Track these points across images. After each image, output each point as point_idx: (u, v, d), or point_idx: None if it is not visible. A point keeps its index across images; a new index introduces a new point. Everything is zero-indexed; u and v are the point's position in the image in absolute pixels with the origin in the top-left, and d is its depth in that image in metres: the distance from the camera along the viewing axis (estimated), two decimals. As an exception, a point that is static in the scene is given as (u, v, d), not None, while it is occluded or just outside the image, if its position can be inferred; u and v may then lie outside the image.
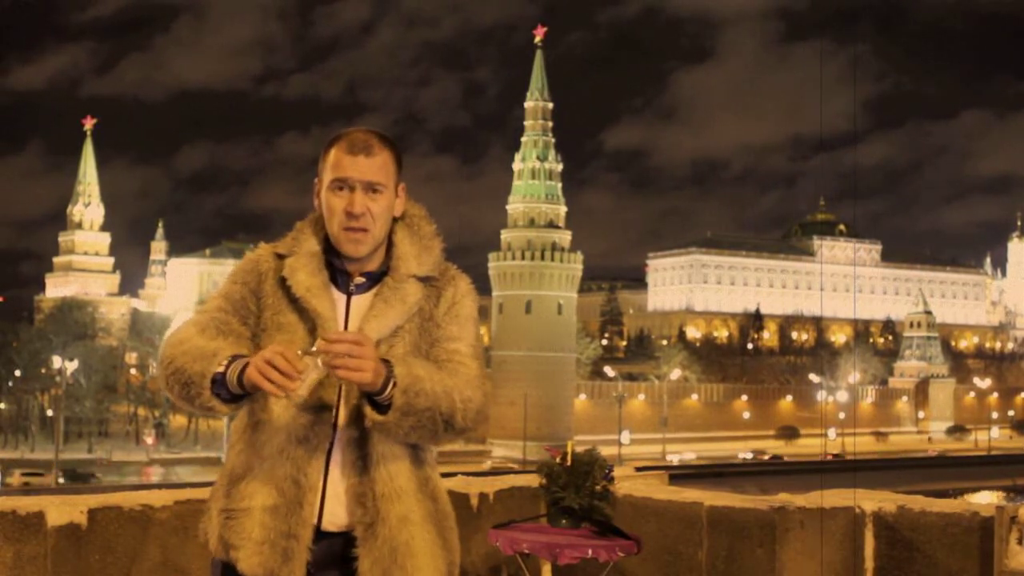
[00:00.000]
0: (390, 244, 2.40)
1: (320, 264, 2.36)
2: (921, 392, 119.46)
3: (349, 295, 2.36)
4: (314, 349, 2.14)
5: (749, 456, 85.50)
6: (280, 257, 2.38)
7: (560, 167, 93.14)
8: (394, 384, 2.17)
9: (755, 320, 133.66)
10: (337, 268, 2.37)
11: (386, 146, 2.35)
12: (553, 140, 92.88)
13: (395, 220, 2.42)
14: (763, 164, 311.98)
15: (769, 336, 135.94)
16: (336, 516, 2.30)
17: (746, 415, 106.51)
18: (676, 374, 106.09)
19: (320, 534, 2.30)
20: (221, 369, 2.20)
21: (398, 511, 2.30)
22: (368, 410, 2.21)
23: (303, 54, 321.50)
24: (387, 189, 2.34)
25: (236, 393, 2.21)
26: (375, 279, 2.37)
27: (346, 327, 2.32)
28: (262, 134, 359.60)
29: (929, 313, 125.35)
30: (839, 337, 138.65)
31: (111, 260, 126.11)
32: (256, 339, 2.37)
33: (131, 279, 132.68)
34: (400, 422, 2.20)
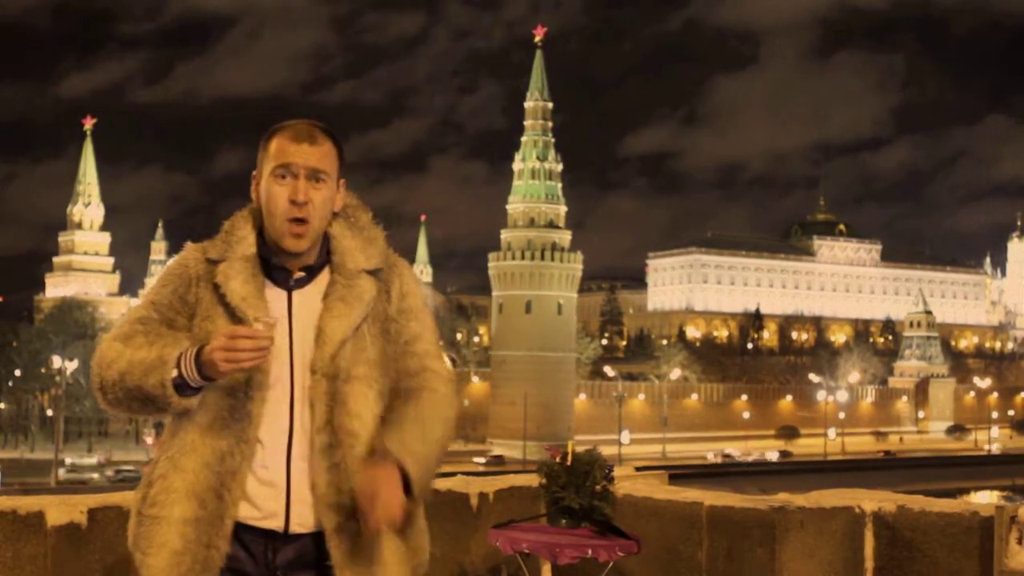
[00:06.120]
0: (326, 237, 2.35)
1: (254, 268, 2.30)
2: (921, 392, 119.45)
3: (290, 291, 2.30)
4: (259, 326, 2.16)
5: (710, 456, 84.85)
6: (211, 261, 2.32)
7: (560, 167, 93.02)
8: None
9: (755, 320, 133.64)
10: (274, 265, 2.31)
11: (329, 137, 2.31)
12: (553, 140, 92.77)
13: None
14: (787, 168, 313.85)
15: (769, 336, 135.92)
16: (304, 517, 2.25)
17: (746, 415, 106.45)
18: (676, 374, 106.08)
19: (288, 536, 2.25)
20: (175, 374, 2.19)
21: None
22: None
23: (351, 62, 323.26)
24: (330, 179, 2.29)
25: (199, 386, 2.21)
26: (313, 272, 2.33)
27: (290, 323, 2.27)
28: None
29: (929, 313, 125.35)
30: (839, 337, 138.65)
31: (111, 260, 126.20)
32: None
33: (131, 279, 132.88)
34: (424, 496, 2.29)
